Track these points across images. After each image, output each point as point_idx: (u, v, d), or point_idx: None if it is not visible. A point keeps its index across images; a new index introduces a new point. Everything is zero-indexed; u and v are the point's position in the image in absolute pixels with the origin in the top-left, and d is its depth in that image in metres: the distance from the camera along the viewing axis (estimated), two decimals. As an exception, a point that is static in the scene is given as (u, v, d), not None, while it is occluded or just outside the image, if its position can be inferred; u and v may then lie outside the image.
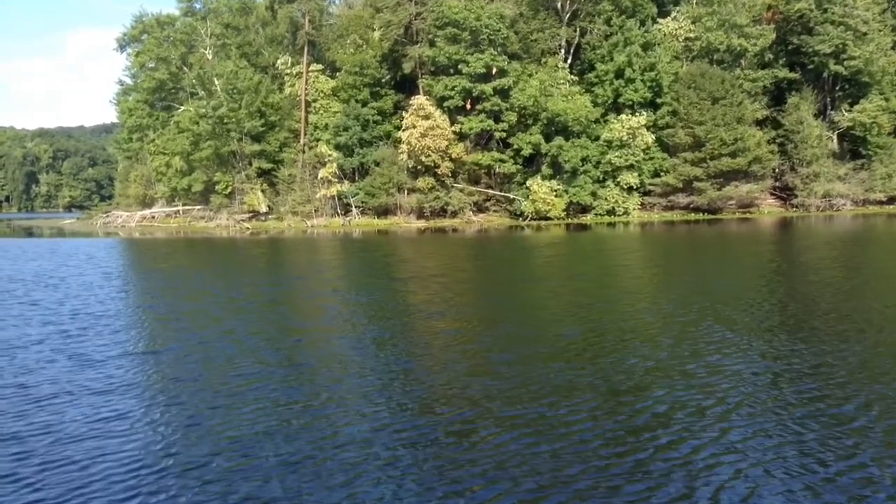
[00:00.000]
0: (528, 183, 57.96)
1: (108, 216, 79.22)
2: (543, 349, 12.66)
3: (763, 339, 12.82)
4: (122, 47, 74.34)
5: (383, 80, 64.27)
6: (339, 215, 63.27)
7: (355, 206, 62.73)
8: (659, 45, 59.43)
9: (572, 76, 60.68)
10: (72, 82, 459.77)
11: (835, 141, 62.61)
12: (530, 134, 58.08)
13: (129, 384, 10.96)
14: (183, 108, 68.69)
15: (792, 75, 61.87)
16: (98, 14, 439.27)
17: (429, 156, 57.30)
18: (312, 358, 12.78)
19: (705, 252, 32.55)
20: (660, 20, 62.16)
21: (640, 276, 23.92)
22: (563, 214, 57.65)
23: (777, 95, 63.01)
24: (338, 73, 65.49)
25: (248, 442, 8.33)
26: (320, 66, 66.29)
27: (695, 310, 15.74)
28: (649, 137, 57.25)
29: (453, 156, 58.41)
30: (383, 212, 62.76)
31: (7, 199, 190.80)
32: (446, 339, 13.91)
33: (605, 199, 58.16)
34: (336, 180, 62.16)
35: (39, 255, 37.41)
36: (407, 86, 65.65)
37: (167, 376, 11.42)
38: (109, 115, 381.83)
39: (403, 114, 60.21)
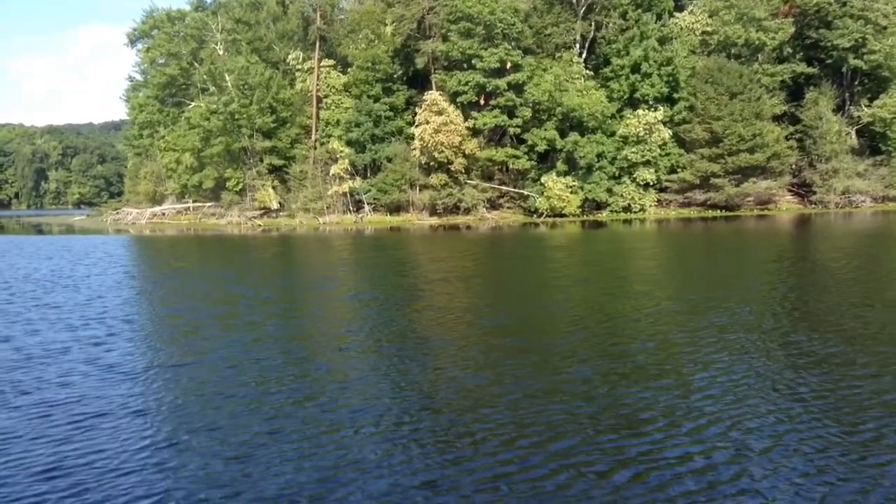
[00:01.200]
0: (543, 179, 57.20)
1: (118, 213, 78.83)
2: (566, 353, 12.09)
3: (789, 341, 12.50)
4: (132, 42, 73.89)
5: (395, 76, 63.57)
6: (350, 212, 62.67)
7: (367, 203, 62.11)
8: (675, 39, 58.51)
9: (587, 71, 59.80)
10: (81, 79, 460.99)
11: (854, 136, 61.55)
12: (545, 129, 57.31)
13: (173, 403, 9.88)
14: (194, 104, 68.14)
15: (810, 70, 60.87)
16: (107, 11, 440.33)
17: (442, 152, 56.60)
18: (360, 370, 11.52)
19: (725, 250, 31.65)
20: (676, 14, 61.33)
21: (661, 276, 23.14)
22: (578, 211, 56.90)
23: (794, 90, 62.06)
24: (349, 69, 64.87)
25: (322, 482, 7.25)
26: (332, 62, 65.62)
27: (720, 314, 14.98)
28: (666, 133, 56.40)
29: (467, 152, 57.69)
30: (395, 208, 62.13)
31: (16, 195, 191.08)
32: (501, 352, 13.11)
33: (621, 195, 57.36)
34: (348, 177, 61.55)
35: (54, 252, 36.69)
36: (419, 81, 64.95)
37: (213, 391, 10.38)
38: (118, 112, 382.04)
39: (416, 109, 59.48)
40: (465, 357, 12.10)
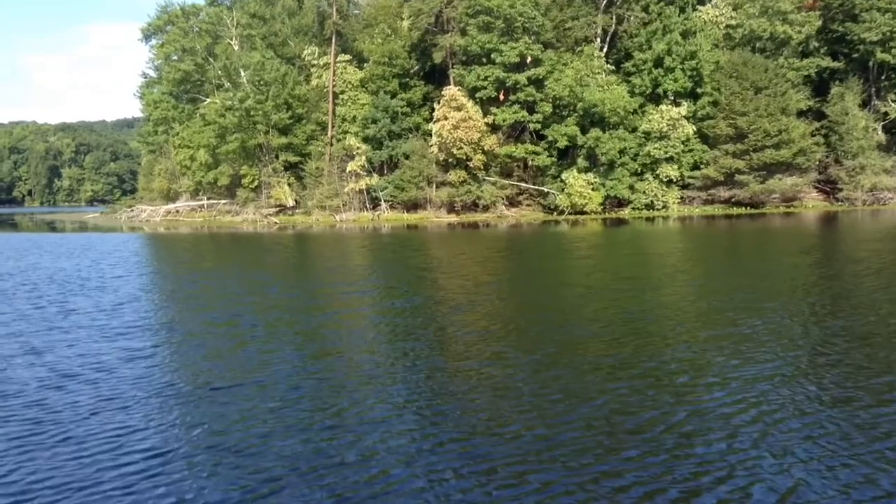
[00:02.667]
0: (564, 176, 56.16)
1: (132, 210, 78.35)
2: (594, 359, 11.12)
3: (822, 343, 11.97)
4: (146, 38, 73.27)
5: (412, 71, 62.67)
6: (367, 209, 61.83)
7: (384, 200, 61.23)
8: (699, 32, 57.25)
9: (608, 65, 58.63)
10: (94, 76, 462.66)
11: (881, 132, 60.12)
12: (565, 125, 56.24)
13: (250, 437, 8.25)
14: (209, 100, 67.45)
15: (836, 64, 59.49)
16: (120, 8, 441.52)
17: (460, 148, 55.62)
18: (443, 396, 9.93)
19: (754, 249, 30.40)
20: (699, 7, 60.02)
21: (691, 277, 22.04)
22: (599, 208, 55.84)
23: (819, 85, 60.69)
24: (365, 64, 64.01)
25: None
26: (348, 57, 64.78)
27: (753, 318, 14.11)
28: (690, 128, 55.21)
29: (486, 148, 56.69)
30: (412, 206, 61.23)
31: (29, 192, 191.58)
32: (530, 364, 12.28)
33: (644, 192, 56.23)
34: (364, 174, 60.71)
35: (74, 251, 35.63)
36: (436, 76, 63.98)
37: (290, 424, 8.73)
38: (131, 110, 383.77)
39: (434, 105, 58.53)
40: (533, 379, 11.18)
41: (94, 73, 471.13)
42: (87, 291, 20.36)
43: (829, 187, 60.18)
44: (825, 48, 60.70)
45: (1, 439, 8.24)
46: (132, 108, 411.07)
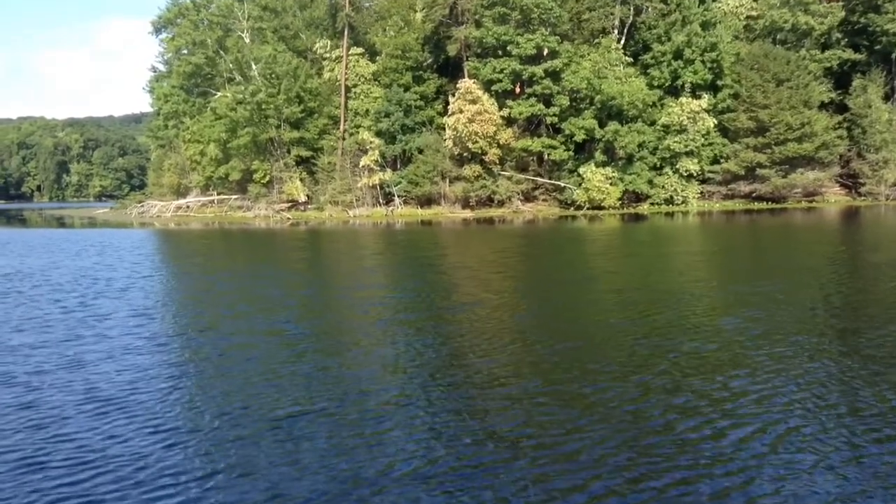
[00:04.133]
0: (581, 170, 55.14)
1: (142, 206, 77.59)
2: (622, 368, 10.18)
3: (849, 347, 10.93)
4: (157, 30, 72.46)
5: (425, 64, 61.68)
6: (380, 205, 60.96)
7: (397, 196, 60.33)
8: (719, 23, 56.09)
9: (626, 57, 57.46)
10: (102, 72, 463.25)
11: (904, 125, 58.85)
12: (582, 118, 55.17)
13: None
14: (220, 93, 66.64)
15: (858, 56, 58.22)
16: (128, 3, 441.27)
17: (476, 142, 54.65)
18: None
19: (780, 246, 29.07)
20: (719, -2, 58.83)
21: (721, 277, 21.02)
22: (617, 204, 54.80)
23: (839, 78, 59.42)
24: (377, 57, 63.07)
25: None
26: (360, 50, 63.84)
27: (782, 322, 13.15)
28: (710, 122, 54.08)
29: (501, 142, 55.69)
30: (426, 201, 60.31)
31: (38, 188, 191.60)
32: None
33: (663, 187, 55.17)
34: (378, 168, 59.81)
35: (91, 248, 34.35)
36: (449, 69, 63.00)
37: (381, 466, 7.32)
38: (139, 105, 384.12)
39: (447, 99, 57.55)
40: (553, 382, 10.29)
41: (102, 69, 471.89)
42: (115, 293, 19.05)
43: (851, 182, 58.97)
44: (845, 40, 59.44)
45: (42, 479, 7.19)
46: (140, 104, 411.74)
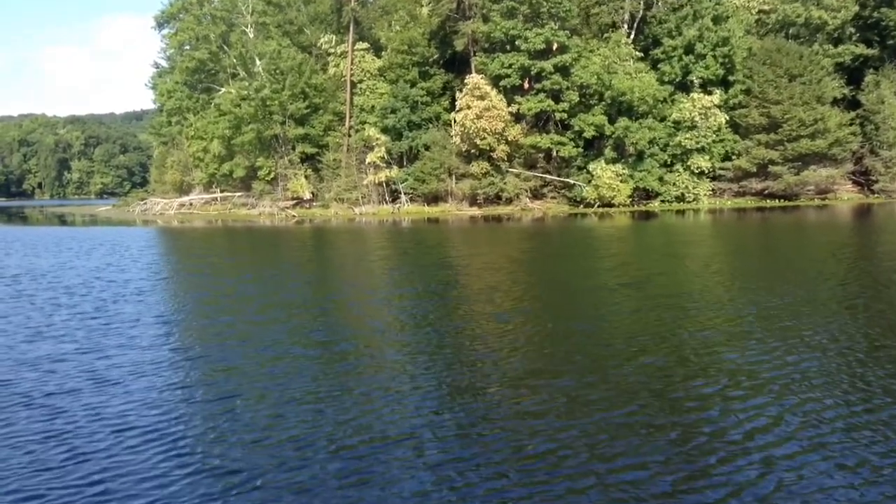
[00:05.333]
0: (591, 167, 54.26)
1: (145, 203, 76.86)
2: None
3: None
4: (160, 26, 71.63)
5: (432, 59, 60.77)
6: (386, 202, 60.14)
7: (404, 193, 59.49)
8: (730, 17, 55.20)
9: (637, 52, 56.54)
10: (103, 70, 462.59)
11: (918, 122, 57.94)
12: (592, 114, 54.30)
13: None
14: (224, 89, 65.77)
15: (870, 51, 57.31)
16: (130, 1, 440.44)
17: (484, 138, 53.76)
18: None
19: (797, 246, 28.09)
20: (731, -9, 57.87)
21: (732, 280, 20.15)
22: (627, 201, 53.94)
23: (851, 73, 58.53)
24: (383, 53, 62.20)
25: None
26: (366, 45, 62.95)
27: (799, 327, 12.52)
28: (723, 118, 53.21)
29: (509, 138, 54.80)
30: (433, 199, 59.47)
31: (39, 185, 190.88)
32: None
33: (674, 184, 54.31)
34: (384, 165, 58.96)
35: (101, 248, 33.10)
36: (456, 64, 62.07)
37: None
38: (140, 102, 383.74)
39: (458, 94, 56.64)
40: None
41: (103, 66, 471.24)
42: (132, 297, 17.86)
43: (863, 179, 58.09)
44: (857, 35, 58.56)
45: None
46: (141, 101, 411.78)
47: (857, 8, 55.92)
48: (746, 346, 11.25)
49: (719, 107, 53.53)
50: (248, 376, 10.37)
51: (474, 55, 58.76)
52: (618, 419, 8.20)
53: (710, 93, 53.64)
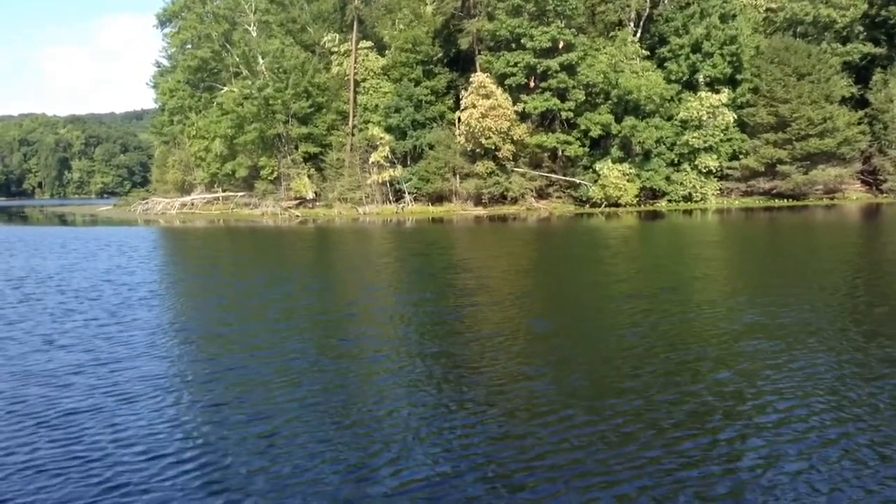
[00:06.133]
0: (598, 167, 53.73)
1: (146, 203, 76.30)
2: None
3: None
4: (162, 24, 71.09)
5: (436, 58, 60.23)
6: (390, 202, 59.59)
7: (408, 193, 58.96)
8: (738, 16, 54.67)
9: (643, 51, 56.00)
10: (103, 69, 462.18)
11: (926, 121, 57.39)
12: (599, 113, 53.78)
13: None
14: (226, 88, 65.22)
15: (878, 50, 56.77)
16: (130, 0, 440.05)
17: (489, 137, 53.22)
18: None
19: (809, 247, 27.38)
20: (738, -11, 57.33)
21: (746, 287, 19.62)
22: (634, 201, 53.42)
23: (859, 72, 58.02)
24: (386, 51, 61.67)
25: None
26: (369, 44, 62.41)
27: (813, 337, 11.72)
28: (731, 116, 52.69)
29: (515, 137, 54.26)
30: (437, 198, 58.97)
31: (40, 185, 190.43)
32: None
33: (681, 183, 53.80)
34: (388, 165, 58.43)
35: (104, 248, 32.20)
36: (460, 63, 61.58)
37: None
38: (140, 102, 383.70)
39: (463, 92, 56.10)
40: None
41: (103, 66, 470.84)
42: (145, 302, 16.90)
43: (871, 178, 57.60)
44: (864, 33, 58.04)
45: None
46: (142, 100, 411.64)
47: (865, 6, 55.39)
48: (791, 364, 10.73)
49: (727, 105, 53.02)
50: (279, 393, 9.45)
51: (479, 54, 58.29)
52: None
53: (717, 91, 53.16)
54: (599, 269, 22.19)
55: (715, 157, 53.69)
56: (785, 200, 53.83)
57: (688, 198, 53.95)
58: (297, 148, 62.00)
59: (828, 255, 24.05)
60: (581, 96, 53.75)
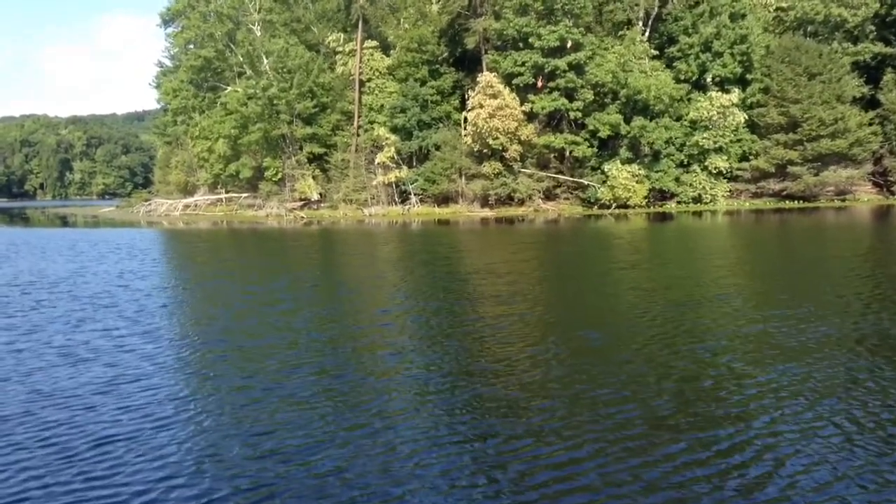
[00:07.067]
0: (607, 168, 53.17)
1: (149, 204, 75.80)
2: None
3: None
4: (165, 23, 70.50)
5: (442, 58, 59.70)
6: (395, 203, 59.06)
7: (414, 194, 58.42)
8: (748, 15, 54.13)
9: (652, 50, 55.46)
10: (104, 70, 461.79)
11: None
12: (607, 113, 53.24)
13: None
14: (230, 88, 64.66)
15: (889, 50, 56.20)
16: (132, 0, 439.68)
17: (496, 138, 52.69)
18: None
19: (830, 253, 26.39)
20: (748, -12, 56.77)
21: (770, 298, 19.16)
22: (643, 202, 52.89)
23: (869, 72, 57.46)
24: (392, 51, 61.14)
25: None
26: (374, 43, 61.86)
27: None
28: (741, 117, 52.16)
29: (522, 138, 53.72)
30: (443, 200, 58.44)
31: (41, 186, 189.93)
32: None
33: (691, 185, 53.25)
34: (394, 165, 57.89)
35: (113, 251, 31.53)
36: (466, 63, 61.08)
37: None
38: (142, 103, 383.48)
39: (469, 93, 55.58)
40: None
41: (104, 66, 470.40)
42: (162, 308, 16.41)
43: (882, 180, 57.03)
44: (875, 33, 57.51)
45: None
46: (143, 101, 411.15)
47: (877, 5, 54.83)
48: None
49: (737, 106, 52.49)
50: (330, 420, 8.55)
51: (485, 53, 57.77)
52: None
53: (727, 91, 52.64)
54: (627, 275, 21.44)
55: (725, 158, 53.16)
56: (795, 202, 53.27)
57: (697, 199, 53.41)
58: (301, 148, 61.47)
59: (856, 261, 23.54)
60: (589, 96, 53.22)
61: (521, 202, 55.76)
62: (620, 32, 56.03)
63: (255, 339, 13.24)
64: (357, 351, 12.17)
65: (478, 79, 54.60)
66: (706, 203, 53.36)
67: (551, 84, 53.86)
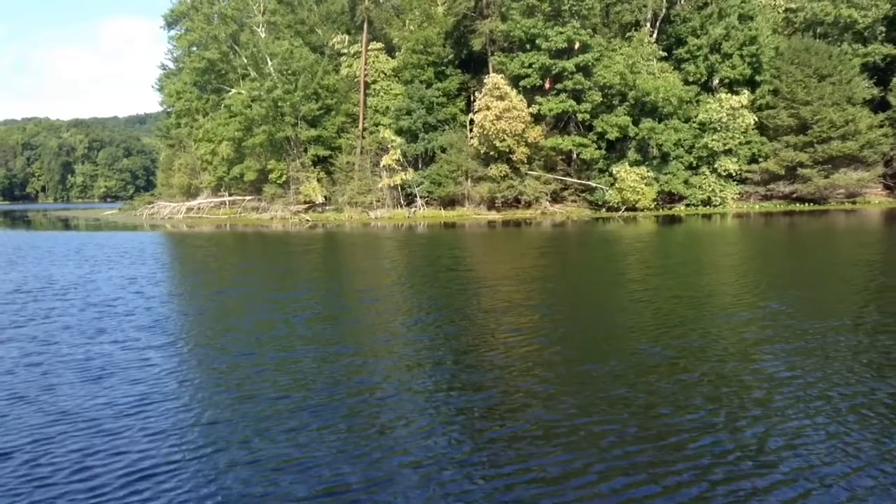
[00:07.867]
0: (615, 170, 52.77)
1: (152, 207, 75.34)
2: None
3: None
4: (169, 25, 70.12)
5: (447, 59, 59.29)
6: (401, 206, 58.59)
7: (419, 197, 57.99)
8: (757, 16, 53.77)
9: (660, 52, 55.09)
10: (106, 73, 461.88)
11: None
12: (615, 115, 52.84)
13: None
14: (234, 90, 64.25)
15: (898, 51, 55.86)
16: (134, 3, 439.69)
17: (503, 140, 52.26)
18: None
19: (844, 259, 25.57)
20: (756, -11, 56.44)
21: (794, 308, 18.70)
22: (651, 205, 52.47)
23: (879, 73, 57.10)
24: (397, 53, 60.73)
25: None
26: (379, 45, 61.45)
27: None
28: (751, 119, 51.76)
29: (529, 140, 53.30)
30: (449, 202, 58.02)
31: (43, 189, 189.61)
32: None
33: (700, 187, 52.85)
34: (399, 168, 57.45)
35: (122, 256, 30.75)
36: (472, 65, 60.73)
37: None
38: (144, 106, 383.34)
39: (476, 94, 55.20)
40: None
41: (106, 69, 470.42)
42: (187, 320, 15.79)
43: (892, 182, 56.67)
44: (884, 34, 57.14)
45: None
46: (145, 104, 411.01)
47: (887, 6, 54.47)
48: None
49: (746, 107, 52.10)
50: (384, 451, 7.80)
51: (492, 55, 57.43)
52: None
53: (736, 93, 52.27)
54: (665, 281, 20.65)
55: (734, 160, 52.79)
56: (805, 205, 52.89)
57: (706, 202, 53.03)
58: (306, 151, 61.01)
59: (873, 266, 23.08)
60: (597, 98, 52.85)
61: (528, 205, 55.38)
62: (628, 34, 55.69)
63: (285, 351, 12.44)
64: (398, 367, 11.32)
65: (484, 80, 54.22)
66: (715, 206, 52.98)
67: (559, 86, 53.50)
